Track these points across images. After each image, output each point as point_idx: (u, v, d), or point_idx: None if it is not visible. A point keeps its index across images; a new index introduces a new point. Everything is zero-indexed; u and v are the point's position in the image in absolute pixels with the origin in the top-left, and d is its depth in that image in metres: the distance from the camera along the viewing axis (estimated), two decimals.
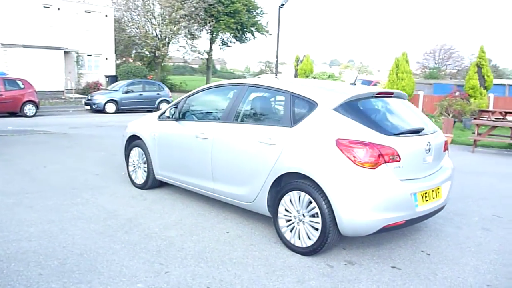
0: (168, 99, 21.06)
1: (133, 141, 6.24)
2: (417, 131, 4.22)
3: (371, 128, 3.91)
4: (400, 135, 4.03)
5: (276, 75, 18.29)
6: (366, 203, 3.72)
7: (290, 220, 4.17)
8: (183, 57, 36.83)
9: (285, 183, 4.21)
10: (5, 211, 5.00)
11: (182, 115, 5.49)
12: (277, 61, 18.43)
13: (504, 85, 34.70)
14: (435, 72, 54.17)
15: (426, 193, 4.08)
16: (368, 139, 3.81)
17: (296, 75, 17.41)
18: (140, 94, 20.33)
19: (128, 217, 4.93)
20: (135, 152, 6.16)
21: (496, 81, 36.97)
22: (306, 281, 3.58)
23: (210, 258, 3.95)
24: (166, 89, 21.50)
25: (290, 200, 4.14)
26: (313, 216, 3.97)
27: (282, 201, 4.21)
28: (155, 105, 20.60)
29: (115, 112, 19.33)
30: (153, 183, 6.00)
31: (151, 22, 32.81)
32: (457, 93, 20.02)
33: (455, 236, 4.77)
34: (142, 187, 6.09)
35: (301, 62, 17.29)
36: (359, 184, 3.73)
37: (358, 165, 3.73)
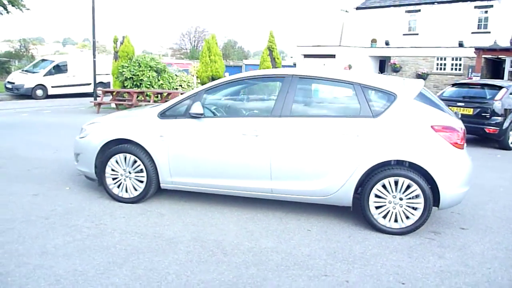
0: None
1: (112, 147, 5.02)
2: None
3: (447, 113, 4.49)
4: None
5: (94, 57, 16.41)
6: (462, 178, 4.33)
7: (383, 205, 4.39)
8: None
9: (376, 172, 4.37)
10: (18, 265, 3.43)
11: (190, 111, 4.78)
12: (94, 41, 16.47)
13: (240, 66, 40.02)
14: (195, 52, 57.47)
15: None
16: (453, 124, 4.39)
17: (117, 58, 15.98)
18: None
19: (189, 238, 4.11)
20: (120, 160, 4.98)
21: (237, 63, 42.62)
22: (443, 255, 3.95)
23: (348, 258, 3.82)
24: None
25: (384, 187, 4.36)
26: (411, 198, 4.32)
27: (373, 189, 4.38)
28: None
29: None
30: (152, 193, 5.04)
31: None
32: None
33: None
34: (135, 200, 5.00)
35: (122, 43, 15.95)
36: (457, 163, 4.29)
37: (454, 147, 4.29)
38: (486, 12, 23.38)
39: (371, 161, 4.32)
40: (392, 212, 4.38)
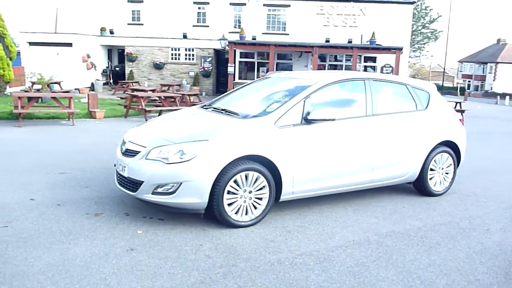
0: None
1: (231, 167, 4.33)
2: None
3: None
4: None
5: None
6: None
7: (434, 176, 5.85)
8: None
9: (432, 151, 5.73)
10: None
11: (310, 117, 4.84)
12: None
13: None
14: None
15: None
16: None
17: None
18: None
19: (384, 235, 4.43)
20: (240, 180, 4.35)
21: None
22: (487, 207, 5.83)
23: (472, 220, 5.15)
24: None
25: (435, 161, 5.81)
26: (447, 166, 5.96)
27: (430, 165, 5.76)
28: None
29: None
30: None
31: None
32: None
33: None
34: (256, 222, 4.52)
35: None
36: (465, 138, 6.19)
37: (462, 126, 6.18)
38: (203, 8, 26.61)
39: (432, 143, 5.68)
40: (440, 180, 5.89)
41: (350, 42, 24.82)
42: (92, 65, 22.36)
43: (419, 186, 5.84)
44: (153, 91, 17.34)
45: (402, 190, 6.06)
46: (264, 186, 4.50)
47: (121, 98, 16.84)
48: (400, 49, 20.30)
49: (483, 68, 69.19)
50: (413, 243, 4.25)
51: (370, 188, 5.53)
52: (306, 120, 4.72)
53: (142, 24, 26.70)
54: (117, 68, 26.43)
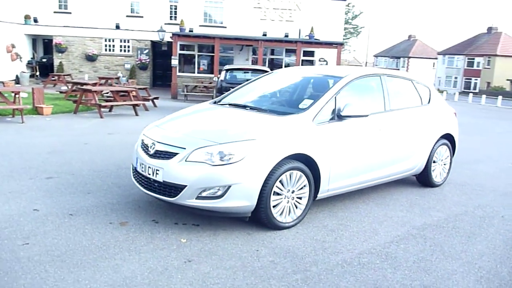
0: None
1: (279, 166, 4.14)
2: None
3: None
4: None
5: None
6: None
7: (436, 168, 6.12)
8: None
9: (436, 143, 5.98)
10: None
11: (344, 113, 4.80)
12: None
13: None
14: None
15: None
16: None
17: None
18: None
19: (430, 225, 4.53)
20: (285, 180, 4.19)
21: None
22: (491, 195, 6.24)
23: (481, 208, 5.46)
24: None
25: (437, 153, 6.07)
26: (446, 158, 6.27)
27: (433, 157, 6.01)
28: None
29: None
30: None
31: None
32: None
33: None
34: (297, 222, 4.42)
35: None
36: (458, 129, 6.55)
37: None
38: None
39: (436, 136, 5.93)
40: (438, 170, 6.18)
41: (286, 36, 25.12)
42: (17, 55, 20.46)
43: (423, 178, 6.07)
44: (94, 84, 16.23)
45: (404, 183, 6.25)
46: (305, 185, 4.38)
47: (61, 92, 15.56)
48: (342, 44, 21.05)
49: (397, 62, 74.19)
50: (451, 234, 4.40)
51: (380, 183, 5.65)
52: (339, 116, 4.67)
53: (70, 13, 24.84)
54: (44, 60, 24.36)
